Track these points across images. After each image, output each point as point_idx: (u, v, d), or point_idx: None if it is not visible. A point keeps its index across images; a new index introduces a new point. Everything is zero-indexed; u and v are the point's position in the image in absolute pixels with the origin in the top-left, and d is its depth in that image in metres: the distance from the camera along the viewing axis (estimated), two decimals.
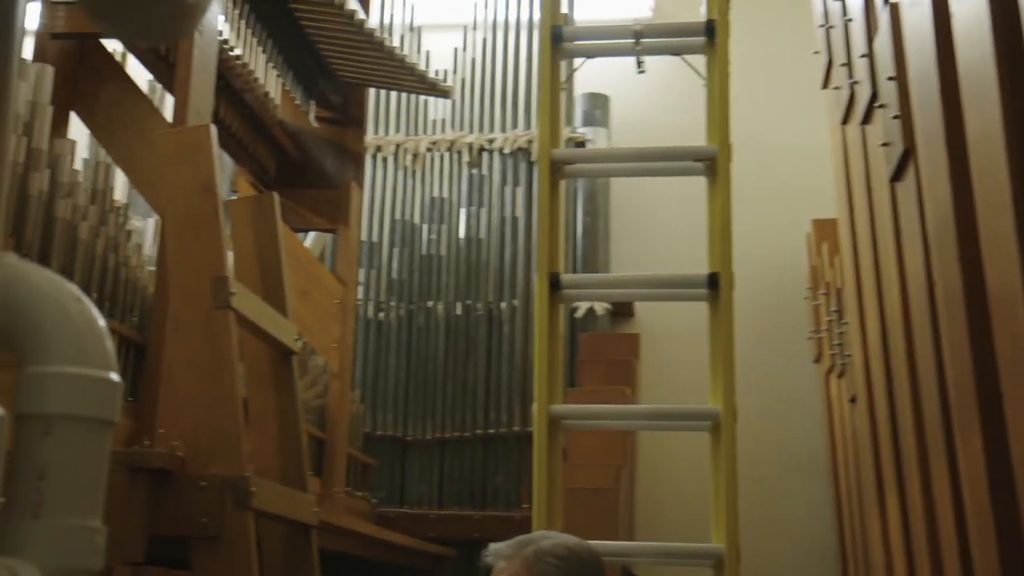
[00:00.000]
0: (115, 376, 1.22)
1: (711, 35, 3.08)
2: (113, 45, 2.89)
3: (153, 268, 2.53)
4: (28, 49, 2.62)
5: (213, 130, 2.10)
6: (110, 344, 1.22)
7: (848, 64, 3.01)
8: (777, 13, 5.66)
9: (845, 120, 3.19)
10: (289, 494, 2.21)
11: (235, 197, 3.72)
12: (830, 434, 4.42)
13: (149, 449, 2.13)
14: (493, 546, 1.88)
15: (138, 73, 3.70)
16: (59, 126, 2.62)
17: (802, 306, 4.98)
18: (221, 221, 2.03)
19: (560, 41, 3.11)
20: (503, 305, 4.88)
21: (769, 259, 5.23)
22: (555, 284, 2.86)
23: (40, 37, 2.63)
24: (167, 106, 3.01)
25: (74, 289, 1.23)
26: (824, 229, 4.57)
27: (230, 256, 2.62)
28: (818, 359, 4.66)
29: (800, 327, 4.99)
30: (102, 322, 1.23)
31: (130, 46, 2.94)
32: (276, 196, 2.48)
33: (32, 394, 1.17)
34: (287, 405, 2.33)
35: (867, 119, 2.76)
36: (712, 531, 2.77)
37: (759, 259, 5.18)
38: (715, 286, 2.85)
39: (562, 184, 4.94)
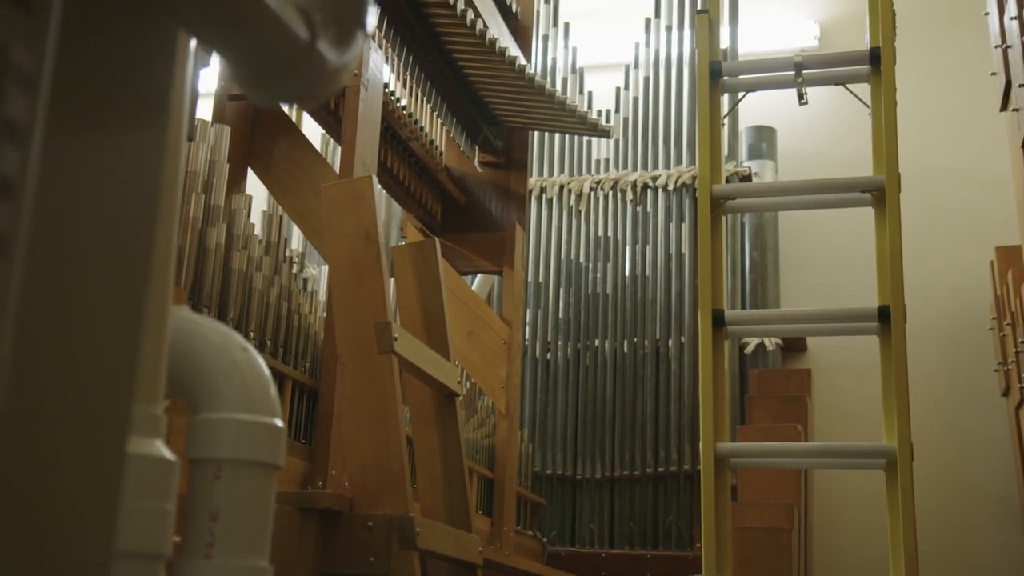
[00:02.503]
0: (279, 422, 1.27)
1: (876, 63, 3.02)
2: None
3: (325, 315, 2.63)
4: (207, 111, 2.78)
5: (375, 181, 2.18)
6: (274, 391, 1.28)
7: None
8: (947, 36, 5.47)
9: None
10: (454, 534, 2.25)
11: (403, 242, 3.83)
12: (1021, 471, 4.20)
13: (319, 490, 2.21)
14: None
15: (311, 128, 3.88)
16: (237, 182, 2.77)
17: (987, 338, 4.77)
18: (383, 268, 2.11)
19: (719, 76, 3.09)
20: (670, 342, 4.84)
21: (949, 290, 5.02)
22: (718, 321, 2.83)
23: (218, 99, 2.78)
24: (339, 159, 3.13)
25: (240, 339, 1.30)
26: (1008, 256, 4.37)
27: (393, 301, 2.70)
28: (1006, 392, 4.44)
29: (986, 360, 4.77)
30: (267, 370, 1.29)
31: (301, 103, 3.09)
32: (437, 241, 2.55)
33: (203, 439, 1.24)
34: (451, 446, 2.37)
35: None
36: (891, 572, 2.67)
37: (938, 290, 4.99)
38: (886, 319, 2.77)
39: (727, 219, 4.89)
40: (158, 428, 1.12)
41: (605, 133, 4.04)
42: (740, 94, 3.38)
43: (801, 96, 3.10)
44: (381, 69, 2.83)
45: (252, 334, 2.30)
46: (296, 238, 4.75)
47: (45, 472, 0.65)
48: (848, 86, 3.17)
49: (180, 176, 1.12)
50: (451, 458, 2.36)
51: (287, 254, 2.58)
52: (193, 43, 0.93)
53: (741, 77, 3.20)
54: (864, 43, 3.08)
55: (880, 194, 2.88)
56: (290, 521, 1.91)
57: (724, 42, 5.09)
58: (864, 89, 3.08)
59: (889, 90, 2.95)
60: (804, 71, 3.07)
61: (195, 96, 1.53)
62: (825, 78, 3.11)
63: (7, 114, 0.59)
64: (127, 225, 0.77)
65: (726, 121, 5.08)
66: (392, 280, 2.55)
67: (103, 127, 0.74)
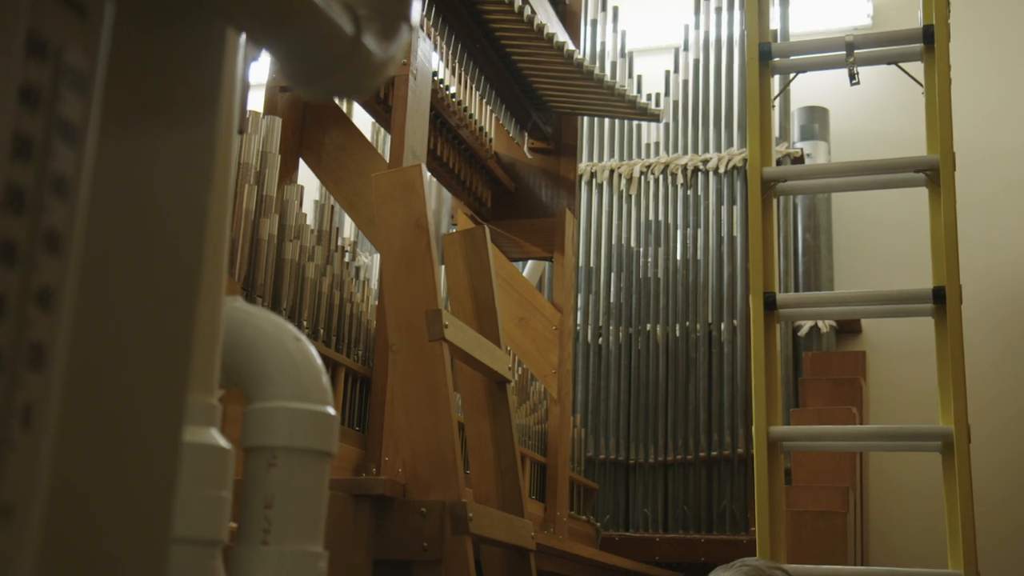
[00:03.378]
0: (331, 410, 1.29)
1: (929, 40, 2.97)
2: None
3: (376, 304, 2.65)
4: (259, 102, 2.82)
5: (424, 169, 2.20)
6: (326, 380, 1.30)
7: None
8: (1002, 12, 5.36)
9: None
10: (507, 519, 2.26)
11: (454, 230, 3.85)
12: None
13: (373, 477, 2.23)
14: None
15: (362, 117, 3.90)
16: (289, 172, 2.80)
17: None
18: (433, 256, 2.12)
19: (769, 57, 3.07)
20: (723, 326, 4.82)
21: (1005, 271, 4.94)
22: (770, 304, 2.82)
23: (270, 91, 2.81)
24: (388, 147, 3.15)
25: (293, 329, 1.32)
26: None
27: (444, 289, 2.72)
28: None
29: None
30: (319, 359, 1.31)
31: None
32: (487, 228, 2.56)
33: (257, 428, 1.26)
34: (503, 432, 2.39)
35: None
36: (949, 556, 2.65)
37: (997, 271, 4.91)
38: (941, 300, 2.74)
39: (779, 202, 4.86)
40: (213, 417, 1.15)
41: (654, 117, 4.02)
42: (791, 75, 3.35)
43: (853, 76, 3.06)
44: (430, 58, 2.84)
45: (305, 323, 2.33)
46: (348, 227, 4.79)
47: (103, 462, 0.67)
48: (902, 65, 3.13)
49: (232, 170, 1.14)
50: (503, 444, 2.37)
51: (339, 243, 2.61)
52: (242, 39, 0.95)
53: (791, 58, 3.17)
54: (918, 21, 3.04)
55: (934, 174, 2.84)
56: (344, 507, 1.93)
57: (775, 23, 5.04)
58: (918, 68, 3.04)
59: (943, 68, 2.91)
60: (856, 51, 3.04)
61: (246, 89, 1.55)
62: (877, 57, 3.08)
63: (63, 115, 0.60)
64: (179, 220, 0.79)
65: (777, 102, 5.04)
66: (443, 268, 2.57)
67: (154, 126, 0.76)
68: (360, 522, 1.99)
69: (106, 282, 0.71)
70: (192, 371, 1.15)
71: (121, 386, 0.72)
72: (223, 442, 1.11)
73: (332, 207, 2.61)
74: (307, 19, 0.80)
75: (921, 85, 2.98)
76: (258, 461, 1.26)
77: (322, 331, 2.40)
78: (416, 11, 0.94)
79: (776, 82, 3.32)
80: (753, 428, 2.78)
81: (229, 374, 1.32)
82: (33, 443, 0.55)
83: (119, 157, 0.74)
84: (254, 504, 1.25)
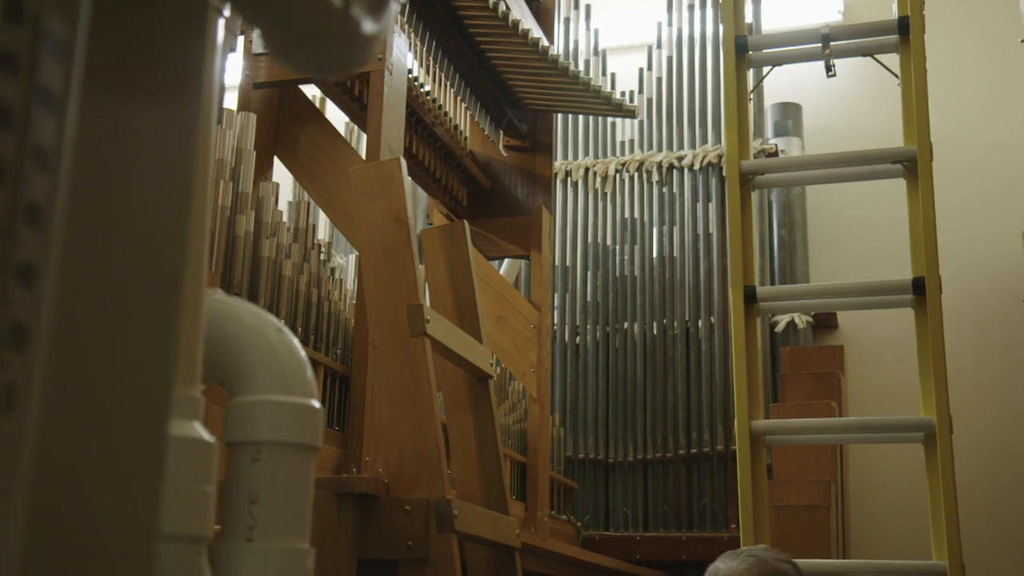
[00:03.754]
0: (316, 403, 1.26)
1: (904, 31, 2.98)
2: (312, 91, 3.02)
3: (354, 302, 2.62)
4: (233, 99, 2.78)
5: (403, 163, 2.17)
6: (310, 372, 1.27)
7: None
8: (976, 4, 5.39)
9: None
10: (492, 517, 2.24)
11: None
12: None
13: (356, 475, 2.20)
14: (718, 565, 1.84)
15: (335, 115, 3.87)
16: (264, 170, 2.76)
17: (1021, 309, 4.71)
18: (414, 251, 2.09)
19: (745, 51, 3.06)
20: (700, 323, 4.81)
21: (981, 260, 4.96)
22: (750, 297, 2.81)
23: (243, 88, 2.77)
24: (363, 145, 3.12)
25: (275, 321, 1.29)
26: None
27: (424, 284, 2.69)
28: None
29: (1020, 331, 4.72)
30: (302, 352, 1.28)
31: (325, 90, 3.08)
32: (466, 224, 2.53)
33: (241, 422, 1.23)
34: (486, 428, 2.36)
35: None
36: (932, 547, 2.65)
37: (976, 263, 4.93)
38: (921, 290, 2.74)
39: (754, 197, 4.86)
40: (196, 410, 1.11)
41: (630, 113, 4.01)
42: (767, 68, 3.35)
43: (829, 68, 3.06)
44: (405, 53, 2.81)
45: (283, 321, 2.30)
46: (323, 227, 4.75)
47: (89, 457, 0.64)
48: (877, 57, 3.13)
49: (212, 157, 1.11)
50: (486, 441, 2.35)
51: (315, 242, 2.58)
52: (221, 22, 0.92)
53: (767, 51, 3.17)
54: (892, 14, 3.04)
55: (912, 164, 2.84)
56: (326, 506, 1.90)
57: (748, 18, 5.04)
58: (893, 60, 3.04)
59: (919, 58, 2.91)
60: (831, 43, 3.04)
61: (222, 80, 1.51)
62: (853, 49, 3.08)
63: (41, 82, 0.57)
64: (163, 199, 0.76)
65: (752, 98, 5.04)
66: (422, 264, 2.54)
67: (136, 100, 0.73)
68: (344, 521, 1.96)
69: (88, 264, 0.68)
70: (177, 362, 1.12)
71: (105, 378, 0.69)
72: (206, 435, 1.08)
73: (308, 204, 2.58)
74: None
75: (897, 76, 2.99)
76: (242, 456, 1.23)
77: (300, 329, 2.36)
78: None
79: (751, 76, 3.31)
80: (736, 422, 2.77)
81: (211, 368, 1.29)
82: (15, 427, 0.52)
83: (101, 131, 0.71)
84: (238, 500, 1.22)
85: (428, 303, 2.55)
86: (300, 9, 0.78)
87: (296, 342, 1.29)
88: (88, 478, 0.64)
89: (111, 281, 0.70)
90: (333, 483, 1.99)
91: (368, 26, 0.85)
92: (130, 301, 0.73)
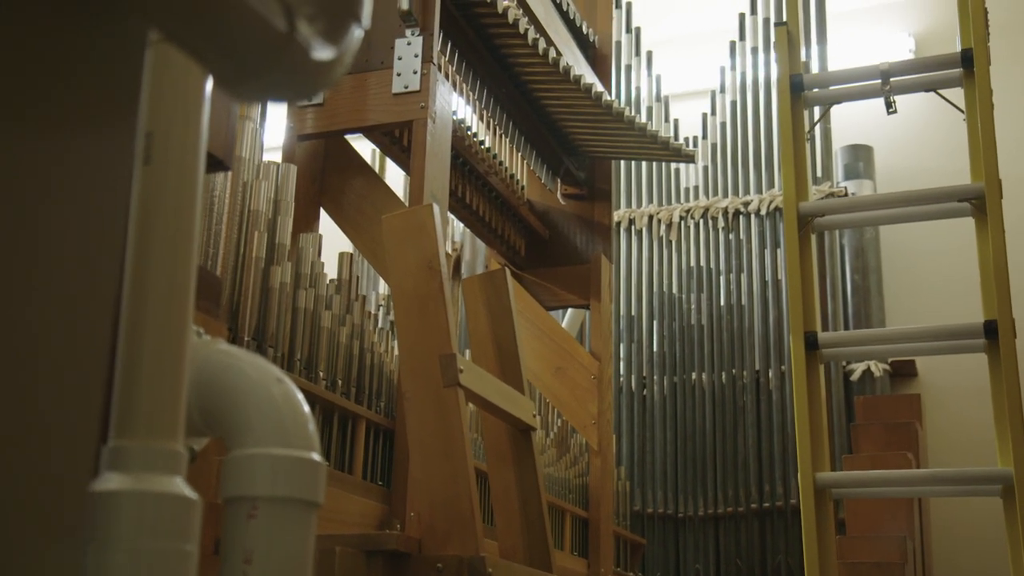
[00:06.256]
0: (317, 456, 1.20)
1: (968, 64, 2.86)
2: (358, 143, 3.01)
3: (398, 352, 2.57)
4: (277, 151, 2.77)
5: (435, 210, 2.12)
6: (312, 425, 1.22)
7: None
8: None
9: None
10: (531, 574, 2.15)
11: None
12: None
13: (385, 532, 2.13)
14: None
15: (395, 173, 3.85)
16: (309, 222, 2.74)
17: None
18: (447, 299, 2.04)
19: (800, 89, 2.97)
20: (770, 372, 4.67)
21: None
22: (811, 344, 2.70)
23: (288, 140, 2.76)
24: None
25: (277, 371, 1.24)
26: None
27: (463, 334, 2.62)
28: None
29: None
30: (305, 404, 1.22)
31: (374, 140, 3.06)
32: (507, 271, 2.47)
33: (236, 477, 1.17)
34: (528, 482, 2.28)
35: None
36: None
37: None
38: (993, 334, 2.59)
39: (826, 239, 4.73)
40: (177, 464, 1.06)
41: (689, 158, 3.93)
42: (826, 107, 3.25)
43: (889, 105, 2.95)
44: (449, 101, 2.78)
45: (322, 374, 2.25)
46: (385, 286, 4.73)
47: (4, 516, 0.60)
48: (941, 92, 3.02)
49: (198, 191, 1.06)
50: (529, 495, 2.26)
51: (359, 292, 2.54)
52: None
53: (825, 90, 3.07)
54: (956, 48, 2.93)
55: (980, 202, 2.72)
56: (355, 565, 1.83)
57: (814, 65, 4.95)
58: (958, 95, 2.92)
59: (984, 92, 2.79)
60: (891, 79, 2.93)
61: (232, 128, 1.48)
62: (914, 84, 2.97)
63: None
64: (93, 234, 0.71)
65: (819, 141, 4.93)
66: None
67: (60, 129, 0.68)
68: None
69: (7, 298, 0.64)
70: (147, 412, 1.06)
71: (20, 422, 0.64)
72: (188, 491, 1.02)
73: (351, 255, 2.55)
74: (230, 13, 0.73)
75: (962, 111, 2.87)
76: (237, 512, 1.17)
77: (340, 382, 2.31)
78: (368, 11, 0.87)
79: (809, 116, 3.21)
80: (799, 474, 2.65)
81: (210, 421, 1.24)
82: None
83: (26, 161, 0.67)
84: (233, 559, 1.16)
85: (468, 354, 2.49)
86: (238, 35, 0.74)
87: (298, 393, 1.23)
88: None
89: (33, 315, 0.66)
90: (362, 540, 1.92)
91: (321, 52, 0.80)
92: (54, 342, 0.68)
